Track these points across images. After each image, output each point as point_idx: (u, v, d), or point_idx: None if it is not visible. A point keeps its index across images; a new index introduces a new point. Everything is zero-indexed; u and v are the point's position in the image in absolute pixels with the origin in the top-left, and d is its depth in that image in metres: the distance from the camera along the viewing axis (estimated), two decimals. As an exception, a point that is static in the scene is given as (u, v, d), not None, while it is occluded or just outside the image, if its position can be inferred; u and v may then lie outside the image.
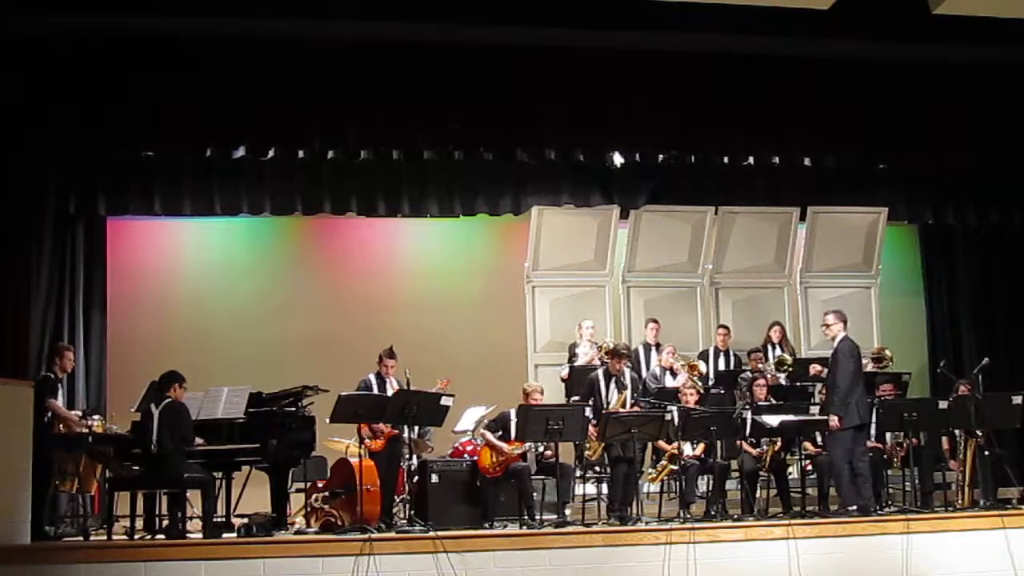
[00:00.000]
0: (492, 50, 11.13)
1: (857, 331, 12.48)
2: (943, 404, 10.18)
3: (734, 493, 10.25)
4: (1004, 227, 13.19)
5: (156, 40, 10.57)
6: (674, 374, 11.38)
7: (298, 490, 9.85)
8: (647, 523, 9.10)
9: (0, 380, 8.72)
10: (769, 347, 11.92)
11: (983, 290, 13.49)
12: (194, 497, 9.00)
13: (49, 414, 9.20)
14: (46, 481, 8.93)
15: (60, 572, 7.94)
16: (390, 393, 9.64)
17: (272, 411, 9.39)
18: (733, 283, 12.99)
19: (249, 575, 8.03)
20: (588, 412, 9.67)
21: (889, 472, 10.60)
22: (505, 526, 9.36)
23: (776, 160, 12.41)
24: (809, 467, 10.12)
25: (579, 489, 10.33)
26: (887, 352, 11.90)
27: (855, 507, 9.41)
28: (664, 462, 10.06)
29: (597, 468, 10.12)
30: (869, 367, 11.70)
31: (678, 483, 9.87)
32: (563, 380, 11.31)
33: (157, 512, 9.11)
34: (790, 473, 10.45)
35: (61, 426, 9.37)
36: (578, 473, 10.20)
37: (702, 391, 10.74)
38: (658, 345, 11.79)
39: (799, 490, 9.98)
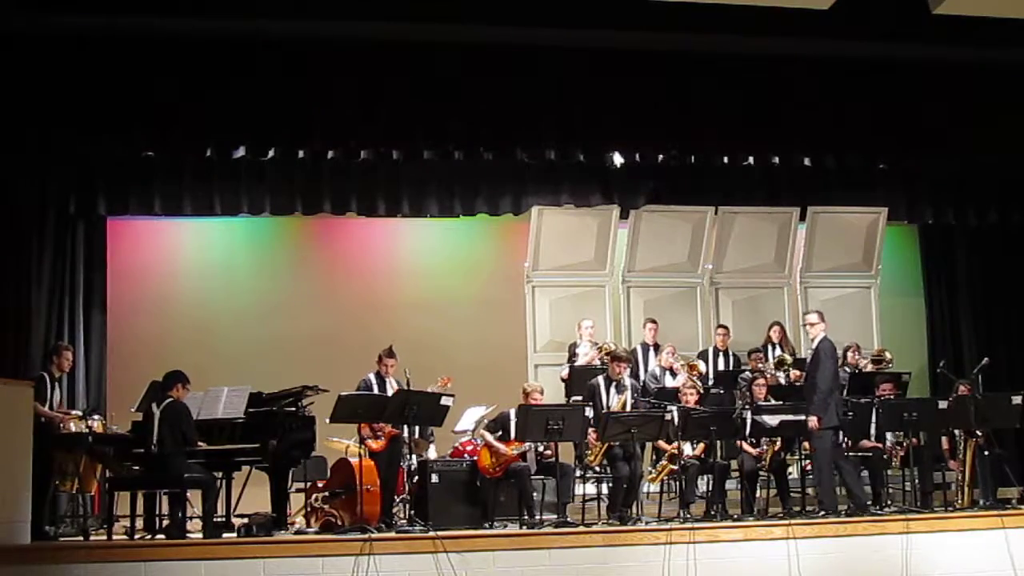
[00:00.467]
0: (492, 50, 11.14)
1: (857, 331, 12.60)
2: (943, 404, 10.18)
3: (734, 493, 10.24)
4: (1004, 227, 13.19)
5: (156, 40, 10.58)
6: (674, 374, 11.38)
7: (298, 490, 9.84)
8: (647, 523, 9.11)
9: (0, 380, 8.71)
10: (769, 347, 11.92)
11: (983, 290, 13.49)
12: (194, 497, 9.00)
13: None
14: (46, 481, 8.93)
15: (60, 572, 7.93)
16: (390, 393, 9.64)
17: (272, 411, 9.38)
18: (733, 283, 12.99)
19: (249, 575, 8.03)
20: (588, 412, 9.67)
21: (889, 472, 10.60)
22: (505, 526, 9.36)
23: (776, 160, 12.42)
24: (809, 467, 10.11)
25: (579, 489, 10.32)
26: (887, 354, 11.91)
27: (847, 506, 9.43)
28: (664, 462, 10.06)
29: (597, 468, 10.12)
30: (869, 367, 11.73)
31: (678, 483, 9.86)
32: (563, 380, 11.32)
33: (157, 512, 9.11)
34: (790, 473, 10.46)
35: (61, 426, 9.36)
36: (578, 473, 10.20)
37: (702, 391, 10.74)
38: (657, 345, 11.79)
39: (799, 490, 9.98)
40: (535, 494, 9.70)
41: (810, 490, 9.94)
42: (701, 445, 10.13)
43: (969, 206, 13.13)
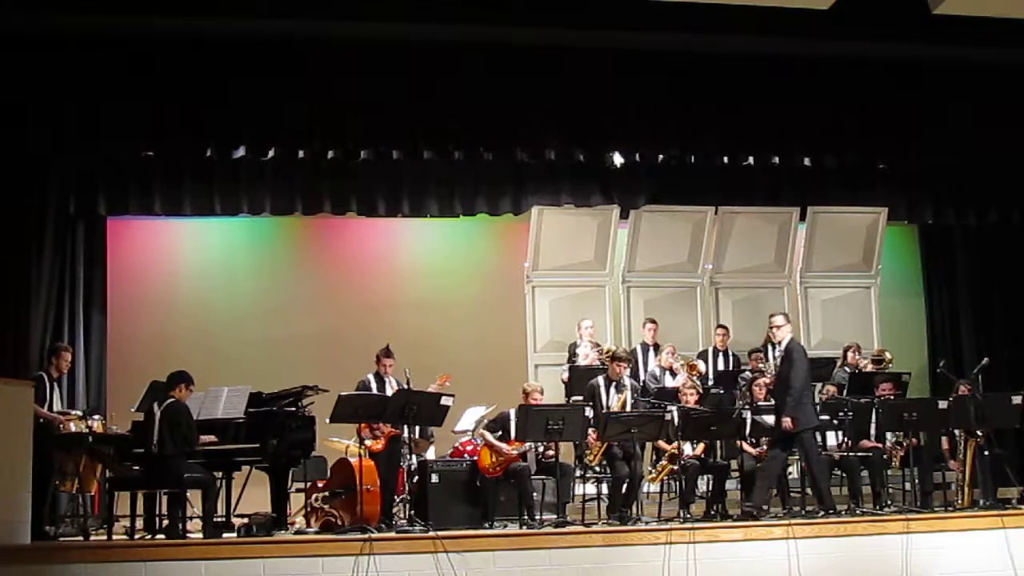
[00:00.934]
0: (492, 50, 11.14)
1: (857, 331, 12.61)
2: (943, 404, 10.17)
3: (734, 493, 10.24)
4: (1004, 227, 13.18)
5: (156, 40, 10.58)
6: (674, 374, 11.38)
7: (298, 490, 9.85)
8: (647, 523, 9.10)
9: (0, 380, 8.71)
10: (769, 347, 11.89)
11: (983, 290, 13.49)
12: (194, 497, 8.99)
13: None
14: (46, 481, 8.92)
15: (60, 572, 7.93)
16: (389, 392, 9.64)
17: (272, 411, 9.39)
18: (733, 283, 12.99)
19: (249, 575, 8.03)
20: (588, 413, 9.67)
21: (889, 472, 10.60)
22: (505, 526, 9.36)
23: (776, 160, 12.41)
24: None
25: (579, 489, 10.33)
26: (887, 354, 11.90)
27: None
28: (664, 462, 10.06)
29: (597, 468, 10.12)
30: (868, 368, 11.73)
31: (678, 483, 9.86)
32: (564, 383, 11.31)
33: (157, 512, 9.10)
34: (790, 473, 10.46)
35: (61, 426, 9.36)
36: (578, 473, 10.20)
37: (701, 391, 10.73)
38: (656, 345, 11.79)
39: (799, 490, 9.98)
40: (535, 494, 9.69)
41: (810, 490, 9.93)
42: (701, 445, 10.13)
43: (969, 206, 13.12)
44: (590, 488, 10.34)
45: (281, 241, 12.85)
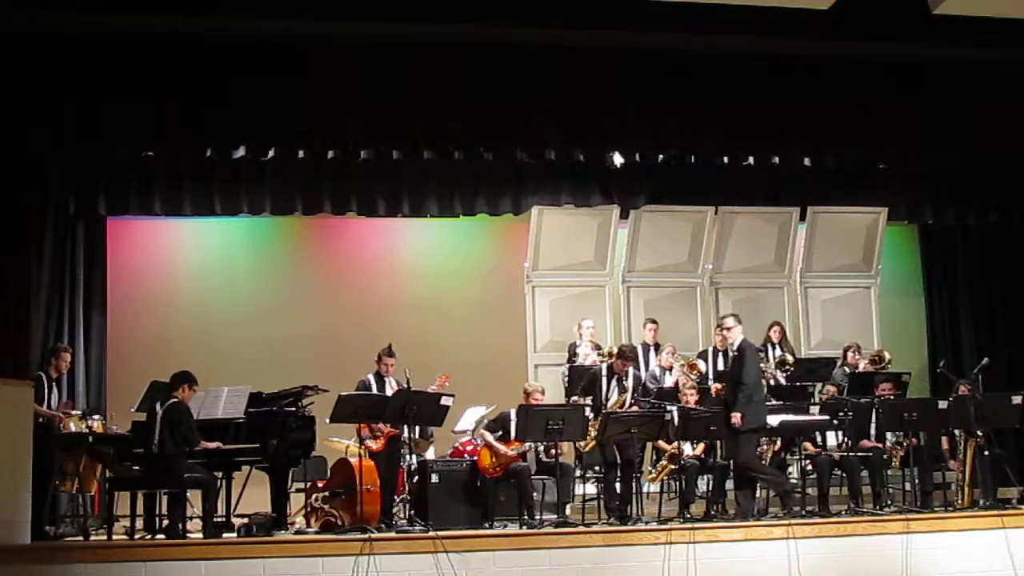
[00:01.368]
0: (492, 50, 11.14)
1: (857, 331, 12.61)
2: (943, 404, 10.17)
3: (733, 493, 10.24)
4: (1004, 227, 13.19)
5: (156, 40, 10.58)
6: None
7: (298, 490, 9.85)
8: (647, 523, 9.10)
9: (0, 380, 8.71)
10: (769, 347, 11.91)
11: (983, 290, 13.49)
12: (194, 497, 8.99)
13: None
14: (46, 481, 8.93)
15: (60, 572, 7.93)
16: (389, 392, 9.64)
17: (272, 411, 9.40)
18: (733, 283, 12.99)
19: (249, 575, 8.03)
20: (588, 413, 9.66)
21: (889, 472, 10.60)
22: (505, 526, 9.36)
23: (776, 160, 12.42)
24: (809, 467, 10.12)
25: (579, 489, 10.33)
26: (886, 354, 11.90)
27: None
28: (664, 462, 10.06)
29: (597, 468, 10.12)
30: (868, 368, 11.72)
31: (678, 483, 9.86)
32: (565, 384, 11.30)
33: (157, 512, 9.11)
34: (790, 473, 10.45)
35: (61, 426, 9.36)
36: (578, 473, 10.20)
37: (699, 392, 10.72)
38: (657, 345, 11.78)
39: (799, 490, 9.98)
40: (535, 494, 9.69)
41: (810, 490, 9.94)
42: (701, 445, 10.13)
43: (969, 206, 13.12)
44: (590, 488, 10.35)
45: (281, 241, 12.85)
